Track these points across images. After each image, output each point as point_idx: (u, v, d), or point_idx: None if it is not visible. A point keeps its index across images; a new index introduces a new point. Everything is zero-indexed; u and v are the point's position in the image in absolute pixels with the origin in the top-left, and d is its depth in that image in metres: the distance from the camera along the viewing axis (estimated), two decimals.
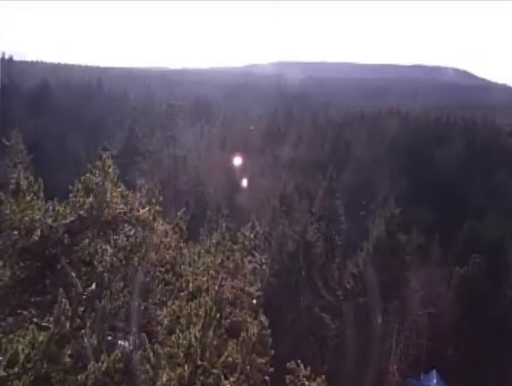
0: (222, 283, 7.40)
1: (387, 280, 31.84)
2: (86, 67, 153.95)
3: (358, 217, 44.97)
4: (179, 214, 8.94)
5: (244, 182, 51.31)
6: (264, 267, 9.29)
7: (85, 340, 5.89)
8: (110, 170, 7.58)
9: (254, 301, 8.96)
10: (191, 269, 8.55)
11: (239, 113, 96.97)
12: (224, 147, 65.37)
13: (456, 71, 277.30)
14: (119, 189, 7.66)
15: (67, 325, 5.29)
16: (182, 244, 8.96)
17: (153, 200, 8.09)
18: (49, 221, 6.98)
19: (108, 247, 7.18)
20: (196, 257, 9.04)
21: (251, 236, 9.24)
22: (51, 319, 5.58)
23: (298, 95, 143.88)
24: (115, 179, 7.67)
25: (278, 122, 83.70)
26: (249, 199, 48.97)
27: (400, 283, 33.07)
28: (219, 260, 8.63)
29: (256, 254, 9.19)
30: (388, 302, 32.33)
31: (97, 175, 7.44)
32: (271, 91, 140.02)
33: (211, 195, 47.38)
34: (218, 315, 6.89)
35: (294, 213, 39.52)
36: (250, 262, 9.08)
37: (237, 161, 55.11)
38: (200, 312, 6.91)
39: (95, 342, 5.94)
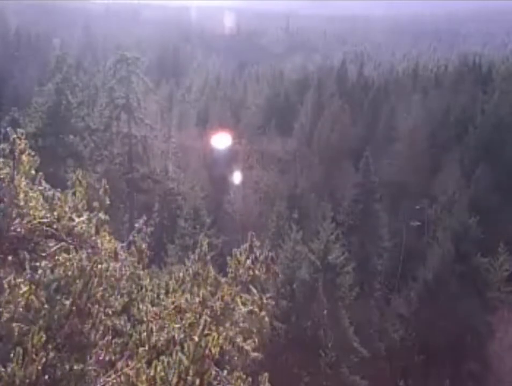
0: (205, 331, 7.21)
1: (458, 327, 31.76)
2: None
3: (409, 229, 44.85)
4: (137, 224, 8.71)
5: (235, 176, 51.21)
6: (264, 313, 9.10)
7: None
8: (24, 157, 7.34)
9: (250, 360, 8.78)
10: (155, 309, 8.36)
11: (225, 70, 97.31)
12: (205, 123, 65.34)
13: None
14: (40, 187, 7.42)
15: None
16: (141, 272, 8.76)
17: (96, 204, 7.87)
18: None
19: (20, 280, 6.94)
20: (162, 292, 8.84)
21: (248, 262, 9.05)
22: None
23: (313, 42, 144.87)
24: (33, 172, 7.44)
25: (284, 85, 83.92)
26: (242, 201, 48.92)
27: (479, 334, 32.96)
28: (199, 299, 8.43)
29: (254, 290, 9.02)
30: (460, 364, 32.24)
31: (2, 165, 7.20)
32: (274, 35, 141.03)
33: (186, 196, 47.19)
34: (197, 381, 6.70)
35: (310, 222, 39.45)
36: (245, 303, 8.90)
37: (224, 144, 55.03)
38: (170, 376, 6.71)
39: None
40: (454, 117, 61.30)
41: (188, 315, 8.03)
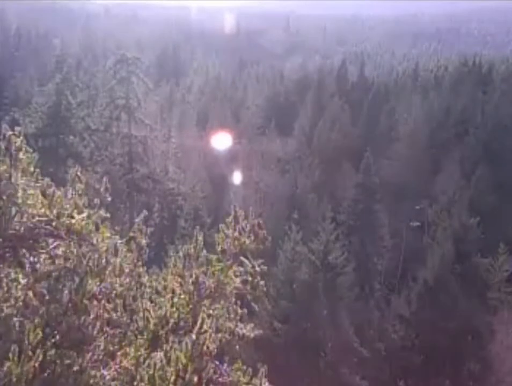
0: (203, 326, 7.17)
1: (458, 328, 31.65)
2: None
3: (409, 229, 44.77)
4: (137, 221, 8.67)
5: (235, 176, 51.10)
6: (258, 279, 9.03)
7: None
8: (22, 155, 7.25)
9: (248, 347, 8.70)
10: (153, 304, 8.30)
11: (225, 70, 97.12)
12: (205, 123, 65.24)
13: None
14: (38, 184, 7.35)
15: None
16: (140, 269, 8.71)
17: (96, 201, 7.80)
18: None
19: (19, 276, 6.91)
20: (160, 287, 8.78)
21: (235, 234, 8.96)
22: None
23: (313, 42, 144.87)
24: (31, 170, 7.37)
25: (284, 85, 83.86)
26: (243, 202, 48.79)
27: (479, 334, 32.86)
28: (190, 281, 8.37)
29: (246, 261, 8.95)
30: (460, 364, 32.13)
31: (0, 162, 7.12)
32: (274, 35, 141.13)
33: (186, 196, 47.13)
34: (195, 378, 6.67)
35: (310, 222, 39.36)
36: (237, 275, 8.84)
37: (224, 144, 54.92)
38: (168, 374, 6.68)
39: None
40: (454, 117, 61.20)
41: (182, 296, 8.00)
